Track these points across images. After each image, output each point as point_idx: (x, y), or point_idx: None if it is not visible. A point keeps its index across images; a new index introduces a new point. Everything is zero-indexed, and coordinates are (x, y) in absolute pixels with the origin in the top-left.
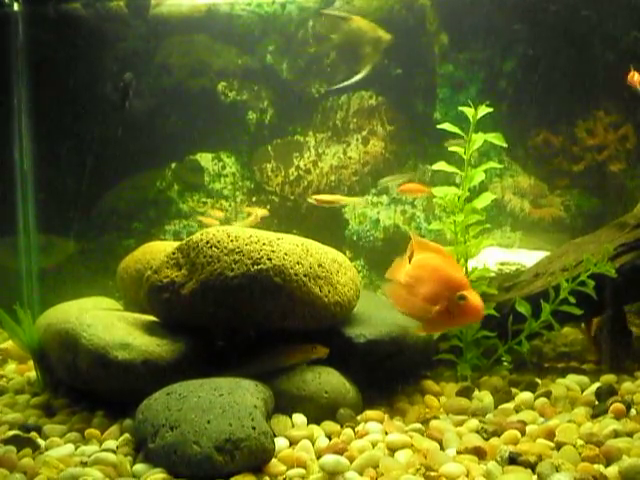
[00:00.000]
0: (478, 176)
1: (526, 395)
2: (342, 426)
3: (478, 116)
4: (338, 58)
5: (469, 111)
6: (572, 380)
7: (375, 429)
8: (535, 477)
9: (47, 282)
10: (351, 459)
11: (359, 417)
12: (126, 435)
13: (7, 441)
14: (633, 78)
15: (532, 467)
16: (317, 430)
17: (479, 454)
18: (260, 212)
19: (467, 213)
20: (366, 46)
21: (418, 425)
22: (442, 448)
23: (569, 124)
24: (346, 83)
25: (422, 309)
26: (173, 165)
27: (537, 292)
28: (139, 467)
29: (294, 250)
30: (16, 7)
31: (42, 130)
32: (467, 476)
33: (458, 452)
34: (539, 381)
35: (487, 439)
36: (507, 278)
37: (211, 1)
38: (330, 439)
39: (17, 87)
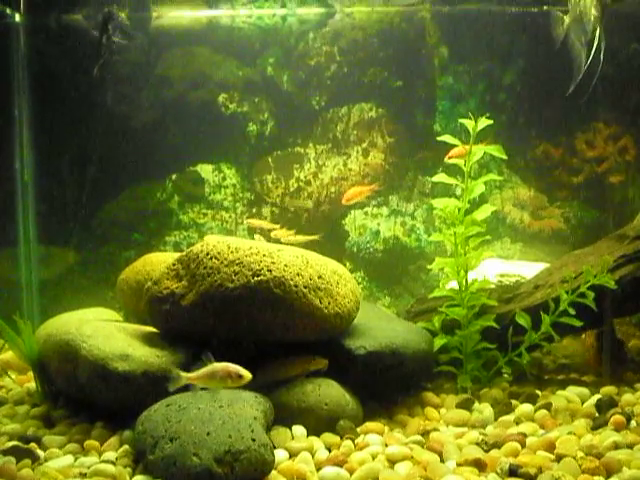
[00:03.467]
0: (478, 188)
1: (526, 407)
2: (342, 438)
3: (478, 128)
4: (572, 39)
5: (469, 123)
6: (572, 392)
7: (375, 441)
8: None
9: (47, 293)
10: (351, 471)
11: (359, 429)
12: (125, 446)
13: (6, 452)
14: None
15: (532, 479)
16: (317, 442)
17: (479, 466)
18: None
19: (467, 225)
20: (591, 11)
21: (418, 437)
22: (442, 460)
23: (569, 136)
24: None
25: None
26: (174, 176)
27: (537, 304)
28: (138, 478)
29: (294, 261)
30: (18, 18)
31: (43, 141)
32: None
33: (458, 464)
34: (539, 393)
35: (487, 451)
36: (507, 290)
37: (212, 13)
38: (330, 451)
39: (18, 98)
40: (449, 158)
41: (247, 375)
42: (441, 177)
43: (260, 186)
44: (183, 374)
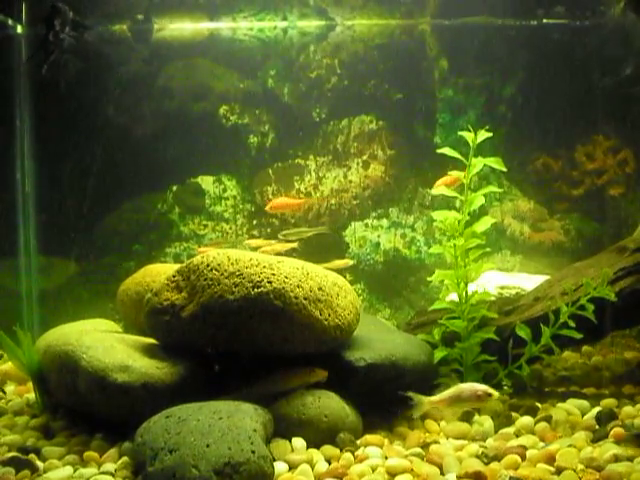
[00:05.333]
0: (478, 200)
1: (526, 419)
2: (342, 450)
3: (478, 141)
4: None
5: (469, 136)
6: (572, 404)
7: (375, 453)
8: None
9: (47, 303)
10: None
11: (359, 441)
12: (125, 458)
13: (6, 462)
14: (445, 183)
15: None
16: (316, 454)
17: (479, 479)
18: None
19: (467, 237)
20: None
21: (418, 449)
22: (442, 473)
23: (568, 148)
24: None
25: None
26: (174, 188)
27: (537, 316)
28: None
29: (294, 273)
30: (19, 30)
31: (44, 152)
32: None
33: (458, 477)
34: (539, 405)
35: (487, 464)
36: (507, 302)
37: (213, 26)
38: (330, 463)
39: (20, 109)
40: (438, 186)
41: (495, 393)
42: (441, 189)
43: (260, 198)
44: (426, 399)
